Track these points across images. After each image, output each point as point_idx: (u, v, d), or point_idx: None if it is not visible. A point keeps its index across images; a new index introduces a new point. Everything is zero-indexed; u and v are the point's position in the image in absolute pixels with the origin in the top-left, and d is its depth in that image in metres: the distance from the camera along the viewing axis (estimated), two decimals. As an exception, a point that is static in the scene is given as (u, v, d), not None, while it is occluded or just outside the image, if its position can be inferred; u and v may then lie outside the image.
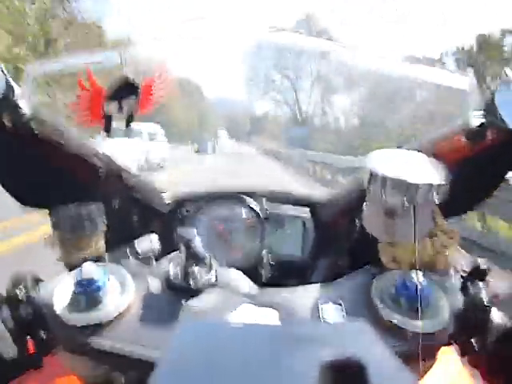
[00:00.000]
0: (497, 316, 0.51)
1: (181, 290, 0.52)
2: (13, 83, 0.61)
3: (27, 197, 0.73)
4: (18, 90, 0.62)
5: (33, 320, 0.49)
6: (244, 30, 0.75)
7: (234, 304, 0.51)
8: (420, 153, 0.63)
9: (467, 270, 0.56)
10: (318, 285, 0.56)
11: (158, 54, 0.73)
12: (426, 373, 0.51)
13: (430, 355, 0.50)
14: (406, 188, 0.52)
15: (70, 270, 0.58)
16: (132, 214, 0.93)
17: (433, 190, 0.52)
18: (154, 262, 0.69)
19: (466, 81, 0.65)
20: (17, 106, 0.61)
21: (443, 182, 0.53)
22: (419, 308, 0.48)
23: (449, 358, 0.54)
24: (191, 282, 0.53)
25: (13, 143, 0.66)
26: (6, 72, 0.60)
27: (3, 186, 0.69)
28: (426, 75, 0.71)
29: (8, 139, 0.65)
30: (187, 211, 1.01)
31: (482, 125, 0.61)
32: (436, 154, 0.67)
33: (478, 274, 0.55)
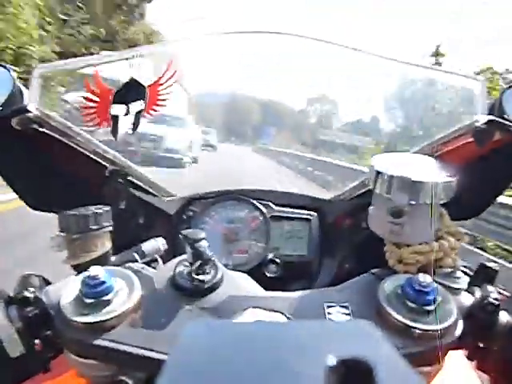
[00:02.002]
0: (505, 318, 0.50)
1: (187, 292, 0.52)
2: (20, 86, 0.62)
3: (36, 200, 0.74)
4: (25, 93, 0.62)
5: (40, 321, 0.49)
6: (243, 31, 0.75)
7: (240, 306, 0.51)
8: (425, 155, 0.62)
9: (475, 271, 0.56)
10: (325, 288, 0.56)
11: (165, 56, 0.73)
12: (434, 376, 0.51)
13: (437, 357, 0.49)
14: (411, 186, 0.52)
15: (77, 272, 0.59)
16: (138, 216, 0.94)
17: (438, 188, 0.52)
18: (161, 264, 0.70)
19: (473, 81, 0.64)
20: (24, 109, 0.61)
21: (449, 180, 0.52)
22: (426, 310, 0.48)
23: (457, 362, 0.54)
24: (197, 284, 0.53)
25: (20, 145, 0.67)
26: (13, 75, 0.60)
27: (14, 190, 0.70)
28: (434, 75, 0.71)
29: (16, 141, 0.66)
30: (193, 212, 1.01)
31: (489, 125, 0.60)
32: (443, 154, 0.67)
33: (485, 276, 0.55)
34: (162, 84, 0.68)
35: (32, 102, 0.62)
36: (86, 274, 0.49)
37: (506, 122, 0.59)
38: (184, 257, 0.56)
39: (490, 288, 0.52)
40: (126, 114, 0.67)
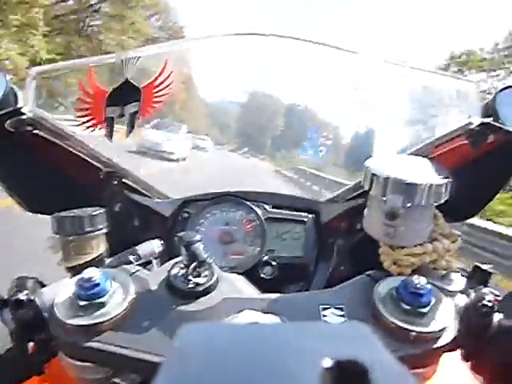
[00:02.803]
0: (499, 319, 0.51)
1: (182, 294, 0.52)
2: (15, 88, 0.62)
3: (31, 202, 0.74)
4: (19, 95, 0.62)
5: (35, 324, 0.49)
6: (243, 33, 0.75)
7: (235, 308, 0.51)
8: (420, 157, 0.63)
9: (469, 273, 0.56)
10: (320, 289, 0.56)
11: (160, 58, 0.73)
12: (429, 378, 0.51)
13: (432, 359, 0.49)
14: (406, 188, 0.52)
15: (72, 275, 0.58)
16: (133, 218, 0.93)
17: (433, 190, 0.52)
18: (156, 266, 0.69)
19: (467, 83, 0.65)
20: (18, 111, 0.61)
21: (443, 182, 0.53)
22: (421, 312, 0.48)
23: (452, 364, 0.54)
24: (192, 286, 0.53)
25: (14, 148, 0.67)
26: (7, 77, 0.60)
27: (8, 193, 0.69)
28: (428, 77, 0.71)
29: (10, 144, 0.65)
30: (188, 214, 1.01)
31: (483, 127, 0.61)
32: (438, 156, 0.67)
33: (480, 277, 0.55)
34: (157, 85, 0.68)
35: (27, 104, 0.62)
36: (80, 276, 0.49)
37: (500, 125, 0.59)
38: (179, 259, 0.56)
39: (484, 290, 0.52)
40: (121, 116, 0.67)
